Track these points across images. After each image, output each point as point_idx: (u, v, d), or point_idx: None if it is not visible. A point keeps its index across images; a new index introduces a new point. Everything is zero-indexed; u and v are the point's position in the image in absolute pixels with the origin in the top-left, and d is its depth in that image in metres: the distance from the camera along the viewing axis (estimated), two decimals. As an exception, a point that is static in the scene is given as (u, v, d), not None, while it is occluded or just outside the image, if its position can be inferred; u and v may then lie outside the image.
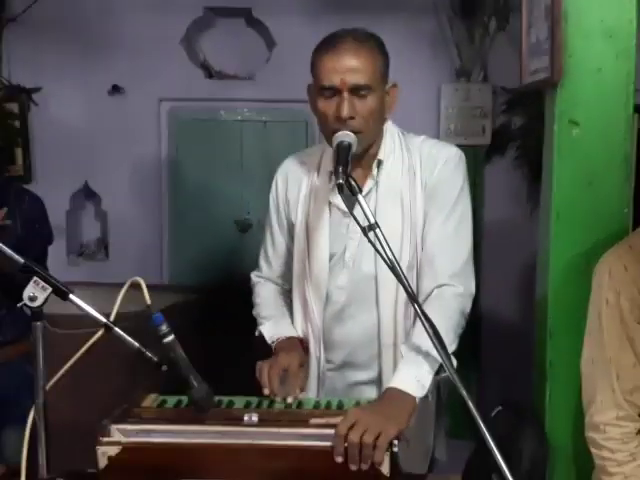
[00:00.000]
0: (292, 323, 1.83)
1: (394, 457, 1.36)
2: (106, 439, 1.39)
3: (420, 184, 1.70)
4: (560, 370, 2.02)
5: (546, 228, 2.05)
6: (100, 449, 1.36)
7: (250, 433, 1.41)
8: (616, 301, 1.54)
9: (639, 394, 1.56)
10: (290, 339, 1.78)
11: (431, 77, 3.98)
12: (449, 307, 1.63)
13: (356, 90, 1.59)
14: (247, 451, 1.37)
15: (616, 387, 1.55)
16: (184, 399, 1.52)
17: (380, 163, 1.72)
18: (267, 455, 1.37)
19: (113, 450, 1.36)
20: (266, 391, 1.61)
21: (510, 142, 4.03)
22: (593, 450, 1.62)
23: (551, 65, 1.95)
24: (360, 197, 1.45)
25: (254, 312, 1.91)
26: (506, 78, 3.86)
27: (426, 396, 1.53)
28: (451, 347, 1.56)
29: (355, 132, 1.59)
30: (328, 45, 1.62)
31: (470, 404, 1.32)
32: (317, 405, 1.59)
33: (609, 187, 1.99)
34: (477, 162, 3.98)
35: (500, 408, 2.01)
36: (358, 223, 1.45)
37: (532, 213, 3.92)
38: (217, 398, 1.49)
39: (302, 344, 1.78)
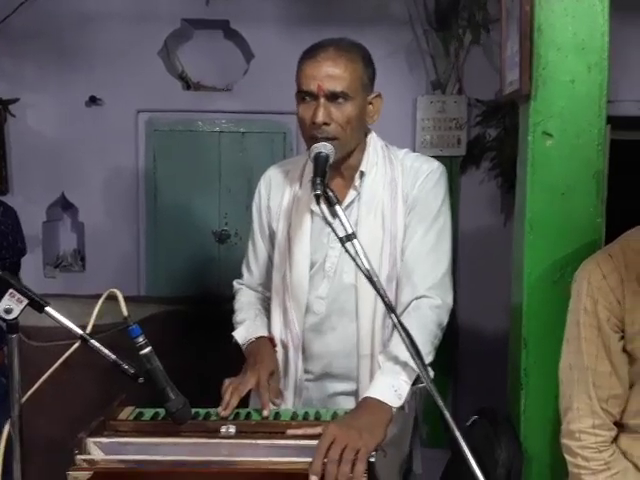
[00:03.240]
0: (266, 324, 1.82)
1: (371, 468, 1.36)
2: (80, 458, 1.35)
3: (401, 197, 1.71)
4: (534, 378, 2.04)
5: (520, 238, 2.08)
6: (71, 474, 1.33)
7: (227, 445, 1.40)
8: (594, 309, 1.54)
9: (614, 402, 1.56)
10: (259, 340, 1.76)
11: (407, 89, 4.01)
12: (426, 318, 1.63)
13: (333, 97, 1.61)
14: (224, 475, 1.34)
15: (593, 395, 1.55)
16: (161, 411, 1.51)
17: (362, 174, 1.73)
18: (243, 477, 1.34)
19: (84, 475, 1.32)
20: (221, 411, 1.55)
21: (485, 153, 4.08)
22: (568, 457, 1.61)
23: (520, 77, 1.98)
24: (338, 207, 1.46)
25: (233, 319, 1.89)
26: (481, 90, 3.92)
27: (402, 407, 1.53)
28: (428, 358, 1.57)
29: (330, 139, 1.60)
30: (310, 52, 1.65)
31: (446, 414, 1.33)
32: (294, 416, 1.58)
33: (582, 198, 2.02)
34: (452, 173, 4.01)
35: (476, 417, 2.03)
36: (335, 232, 1.45)
37: (506, 223, 3.97)
38: (194, 410, 1.48)
39: (272, 343, 1.77)
